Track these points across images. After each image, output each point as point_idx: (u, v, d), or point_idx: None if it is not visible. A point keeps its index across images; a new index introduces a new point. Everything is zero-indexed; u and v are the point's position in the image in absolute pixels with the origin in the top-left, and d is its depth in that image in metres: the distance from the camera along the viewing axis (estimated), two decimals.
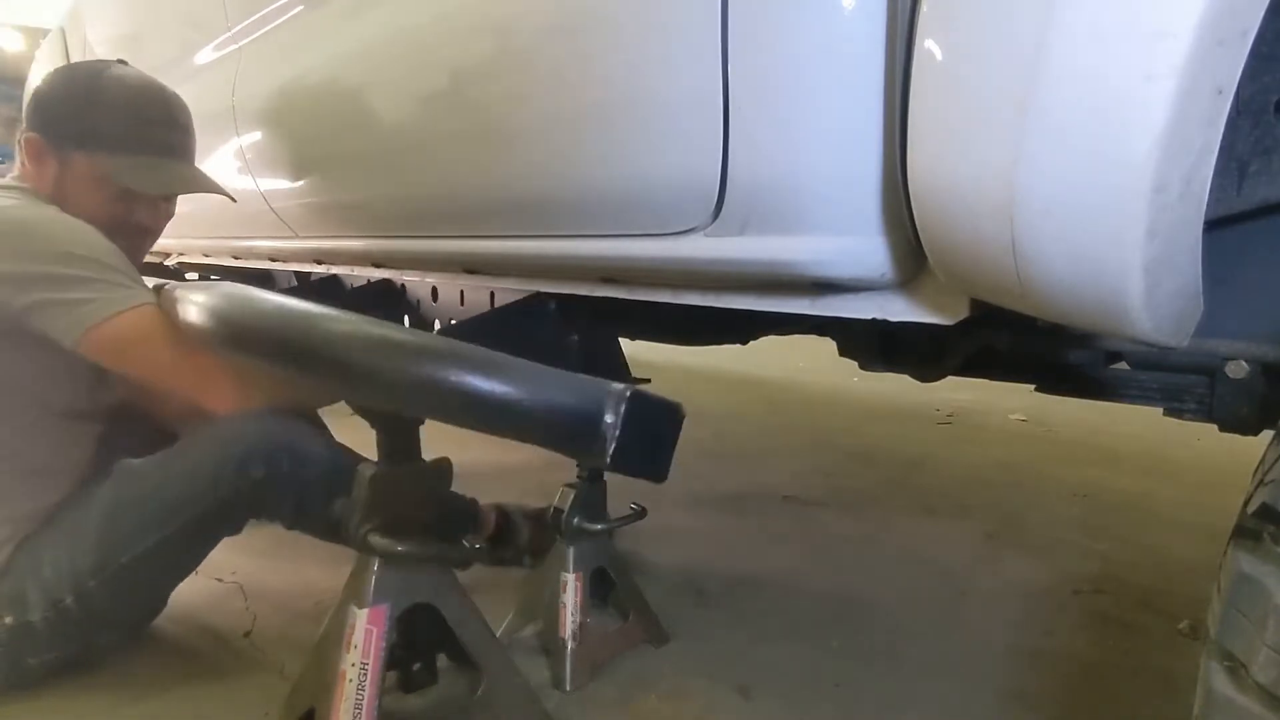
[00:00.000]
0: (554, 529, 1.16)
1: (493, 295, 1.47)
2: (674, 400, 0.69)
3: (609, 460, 0.66)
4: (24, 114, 1.22)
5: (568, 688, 1.09)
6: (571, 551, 1.15)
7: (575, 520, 1.15)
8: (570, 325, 1.35)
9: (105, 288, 1.03)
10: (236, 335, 0.83)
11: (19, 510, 1.08)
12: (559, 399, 0.66)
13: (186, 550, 1.10)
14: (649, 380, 1.46)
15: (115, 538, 1.04)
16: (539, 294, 1.26)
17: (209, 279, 2.63)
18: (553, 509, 1.16)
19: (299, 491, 1.06)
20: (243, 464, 1.03)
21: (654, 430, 0.68)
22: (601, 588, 1.27)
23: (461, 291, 1.57)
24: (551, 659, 1.13)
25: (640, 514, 1.23)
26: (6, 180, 1.19)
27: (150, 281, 1.14)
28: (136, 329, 1.03)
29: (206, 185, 1.27)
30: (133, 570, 1.05)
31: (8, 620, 1.03)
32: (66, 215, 1.09)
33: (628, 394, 0.66)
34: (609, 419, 0.65)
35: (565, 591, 1.13)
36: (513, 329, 1.30)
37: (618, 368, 1.54)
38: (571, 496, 1.16)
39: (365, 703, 0.87)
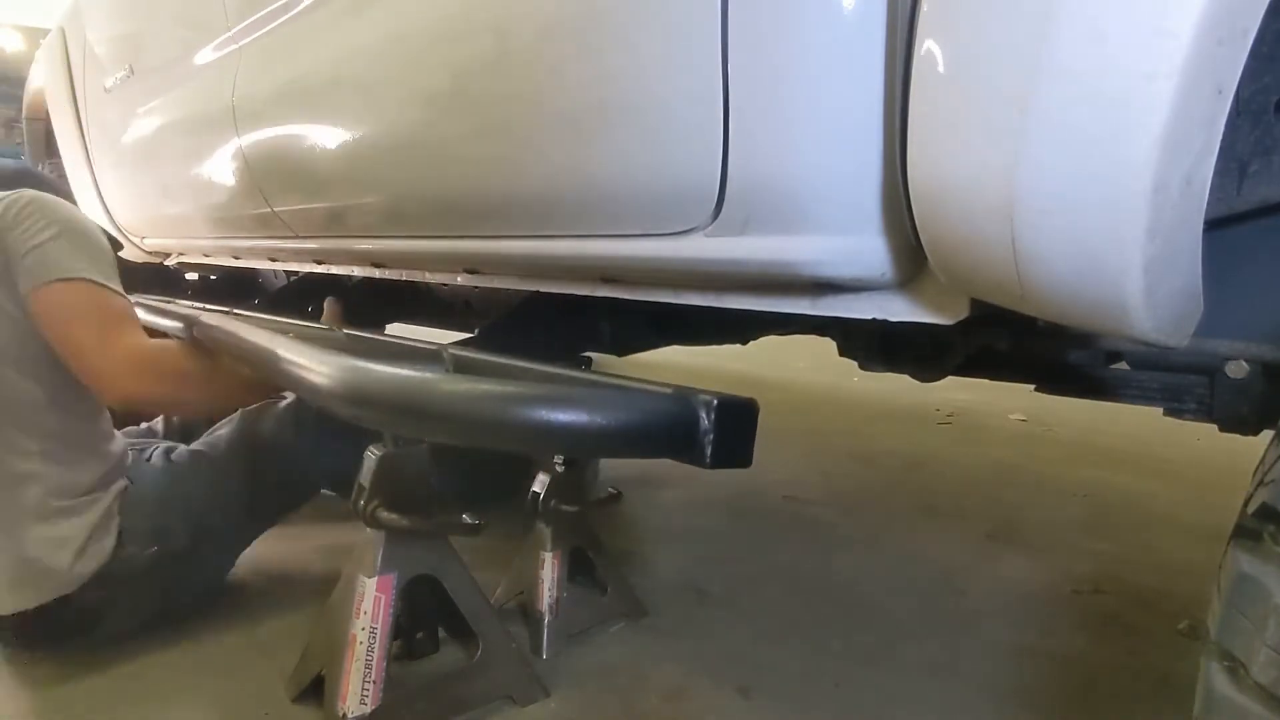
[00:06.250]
0: (532, 511, 1.23)
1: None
2: (749, 397, 0.74)
3: (708, 461, 0.71)
4: None
5: (544, 655, 1.18)
6: (549, 531, 1.23)
7: (552, 502, 1.22)
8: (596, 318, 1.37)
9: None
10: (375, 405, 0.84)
11: (112, 460, 1.19)
12: (659, 417, 0.72)
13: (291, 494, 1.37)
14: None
15: (255, 473, 1.29)
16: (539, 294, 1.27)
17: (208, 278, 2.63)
18: (530, 492, 1.22)
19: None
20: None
21: (738, 426, 0.73)
22: (584, 565, 1.32)
23: (475, 289, 1.57)
24: (531, 629, 1.22)
25: (615, 497, 1.31)
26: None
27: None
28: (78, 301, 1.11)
29: None
30: (263, 499, 1.30)
31: (154, 550, 1.17)
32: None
33: (714, 401, 0.72)
34: (704, 425, 0.71)
35: (543, 568, 1.22)
36: (544, 324, 1.35)
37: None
38: (548, 481, 1.23)
39: (375, 663, 0.95)
